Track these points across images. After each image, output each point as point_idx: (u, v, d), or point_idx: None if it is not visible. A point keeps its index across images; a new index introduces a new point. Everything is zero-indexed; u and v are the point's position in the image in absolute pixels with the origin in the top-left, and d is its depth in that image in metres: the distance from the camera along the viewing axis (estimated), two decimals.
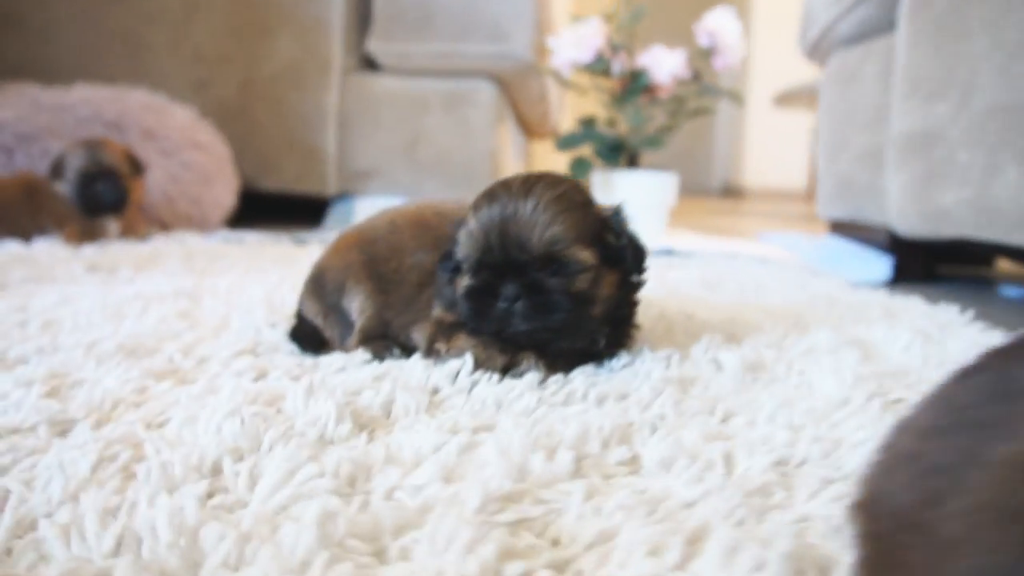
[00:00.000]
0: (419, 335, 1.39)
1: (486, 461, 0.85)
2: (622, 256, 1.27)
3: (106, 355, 1.31)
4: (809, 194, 9.15)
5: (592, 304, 1.24)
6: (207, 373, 1.24)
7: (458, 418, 1.03)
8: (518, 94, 5.16)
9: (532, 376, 1.21)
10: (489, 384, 1.18)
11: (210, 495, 0.78)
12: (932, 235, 2.69)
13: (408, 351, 1.38)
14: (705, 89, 4.74)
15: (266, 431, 0.93)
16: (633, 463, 0.90)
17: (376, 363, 1.35)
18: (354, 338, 1.43)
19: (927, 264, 3.17)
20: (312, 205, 4.80)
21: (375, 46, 4.50)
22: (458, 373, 1.21)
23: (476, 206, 1.23)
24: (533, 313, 1.19)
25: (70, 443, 0.90)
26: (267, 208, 4.77)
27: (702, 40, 4.63)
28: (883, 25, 3.10)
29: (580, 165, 4.71)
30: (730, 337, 1.51)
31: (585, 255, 1.22)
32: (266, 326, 1.60)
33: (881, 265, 3.14)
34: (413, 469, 0.84)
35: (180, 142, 3.55)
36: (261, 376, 1.24)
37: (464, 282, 1.26)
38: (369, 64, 4.68)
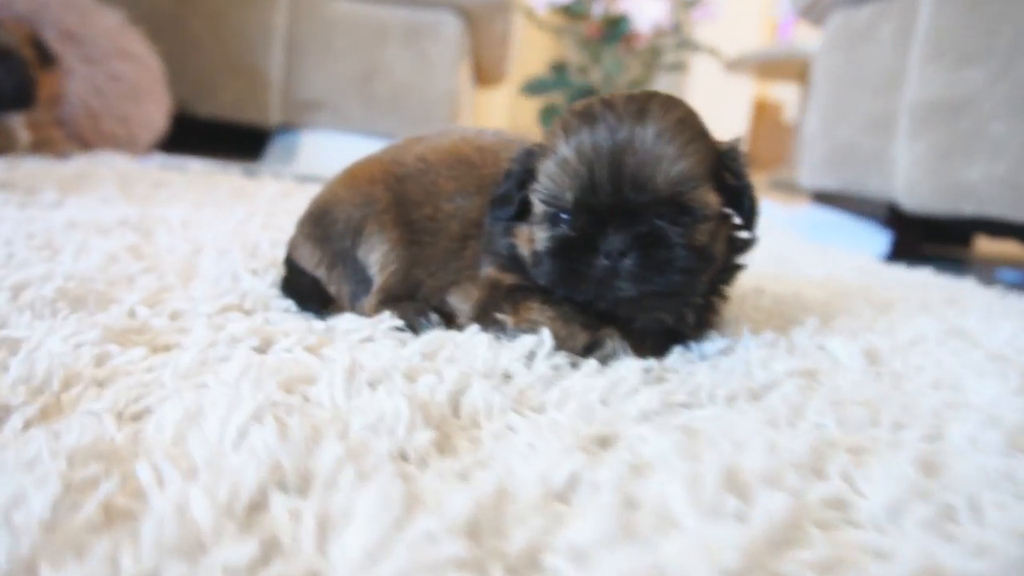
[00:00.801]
0: (459, 300, 1.09)
1: (669, 508, 0.57)
2: (740, 203, 1.00)
3: (42, 304, 0.96)
4: (753, 161, 9.06)
5: (711, 263, 0.97)
6: (190, 336, 0.91)
7: (568, 423, 0.74)
8: (481, 32, 4.78)
9: (630, 363, 0.94)
10: (582, 371, 0.89)
11: (262, 562, 0.48)
12: (948, 212, 2.52)
13: (447, 319, 1.08)
14: (684, 42, 4.49)
15: (316, 441, 0.62)
16: (847, 507, 0.64)
17: (407, 333, 1.05)
18: (373, 298, 1.12)
19: (919, 242, 3.04)
20: (251, 137, 4.33)
21: None
22: (533, 354, 0.92)
23: (568, 128, 0.93)
24: (646, 272, 0.91)
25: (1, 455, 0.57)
26: (200, 136, 4.28)
27: None
28: None
29: (549, 114, 4.40)
30: (819, 318, 1.26)
31: (713, 199, 0.94)
32: (245, 272, 1.27)
33: (875, 241, 2.98)
34: (560, 522, 0.55)
35: (107, 49, 3.06)
36: (266, 344, 0.92)
37: (544, 232, 0.96)
38: None
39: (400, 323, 1.05)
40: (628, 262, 0.90)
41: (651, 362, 0.98)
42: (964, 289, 1.77)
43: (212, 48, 4.11)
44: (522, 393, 0.84)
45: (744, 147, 1.02)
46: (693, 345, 1.08)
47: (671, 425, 0.76)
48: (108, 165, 2.50)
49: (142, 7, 3.77)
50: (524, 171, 1.00)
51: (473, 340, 0.95)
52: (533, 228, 0.99)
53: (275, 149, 4.31)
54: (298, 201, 2.26)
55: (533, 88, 4.39)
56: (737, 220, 1.03)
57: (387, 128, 4.30)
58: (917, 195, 2.62)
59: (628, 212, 0.91)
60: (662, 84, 4.91)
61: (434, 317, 1.06)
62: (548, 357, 0.92)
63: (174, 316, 1.01)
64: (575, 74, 4.38)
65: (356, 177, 1.17)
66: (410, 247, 1.11)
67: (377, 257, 1.11)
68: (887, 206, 2.91)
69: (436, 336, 0.98)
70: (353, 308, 1.14)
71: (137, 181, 2.18)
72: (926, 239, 3.12)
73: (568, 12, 4.20)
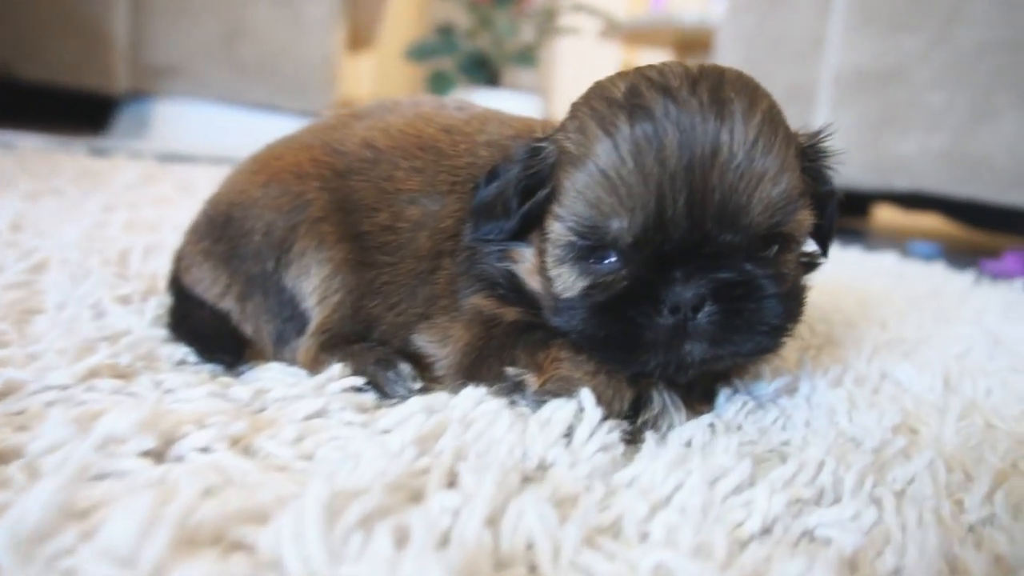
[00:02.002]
0: (431, 341, 0.79)
1: None
2: (825, 213, 0.75)
3: None
4: None
5: (803, 305, 0.72)
6: (36, 442, 0.57)
7: (675, 562, 0.47)
8: None
9: (691, 428, 0.68)
10: (646, 453, 0.62)
11: None
12: (878, 186, 2.43)
13: (418, 366, 0.78)
14: (578, 6, 4.25)
15: None
16: None
17: (370, 393, 0.74)
18: (309, 342, 0.80)
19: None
20: (92, 106, 3.73)
21: None
22: (570, 430, 0.64)
23: (609, 124, 0.65)
24: (729, 333, 0.65)
25: None
26: (27, 105, 3.63)
27: None
28: None
29: (440, 81, 4.06)
30: (856, 332, 1.05)
31: (808, 220, 0.69)
32: (113, 302, 0.91)
33: None
34: None
35: None
36: (166, 443, 0.59)
37: (574, 273, 0.68)
38: None
39: (359, 380, 0.74)
40: (704, 319, 0.64)
41: (709, 418, 0.72)
42: (940, 276, 1.63)
43: (43, 3, 3.49)
44: (578, 503, 0.56)
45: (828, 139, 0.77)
46: (744, 383, 0.83)
47: (831, 558, 0.50)
48: None
49: None
50: (529, 176, 0.71)
51: (482, 412, 0.66)
52: (551, 261, 0.70)
53: (123, 121, 3.74)
54: (165, 188, 1.85)
55: (419, 52, 4.03)
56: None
57: (256, 97, 3.81)
58: (843, 169, 2.50)
59: (708, 253, 0.64)
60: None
61: (405, 368, 0.76)
62: (591, 434, 0.64)
63: (2, 395, 0.65)
64: (463, 38, 4.05)
65: (275, 169, 0.83)
66: (360, 269, 0.80)
67: (314, 284, 0.79)
68: None
69: (423, 405, 0.67)
70: (279, 355, 0.82)
71: None
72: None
73: None
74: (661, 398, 0.72)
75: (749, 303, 0.64)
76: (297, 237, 0.79)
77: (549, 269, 0.70)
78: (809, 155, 0.73)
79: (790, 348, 0.95)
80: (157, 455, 0.59)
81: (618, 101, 0.65)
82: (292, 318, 0.80)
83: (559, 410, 0.65)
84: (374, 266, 0.80)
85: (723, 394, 0.80)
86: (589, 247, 0.67)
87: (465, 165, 0.81)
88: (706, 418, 0.72)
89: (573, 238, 0.67)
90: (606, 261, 0.67)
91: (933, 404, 0.83)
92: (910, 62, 2.24)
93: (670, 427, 0.71)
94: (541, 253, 0.71)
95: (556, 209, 0.68)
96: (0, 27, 3.24)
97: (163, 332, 0.84)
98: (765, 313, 0.65)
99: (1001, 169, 1.97)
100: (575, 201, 0.66)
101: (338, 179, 0.81)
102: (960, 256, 2.38)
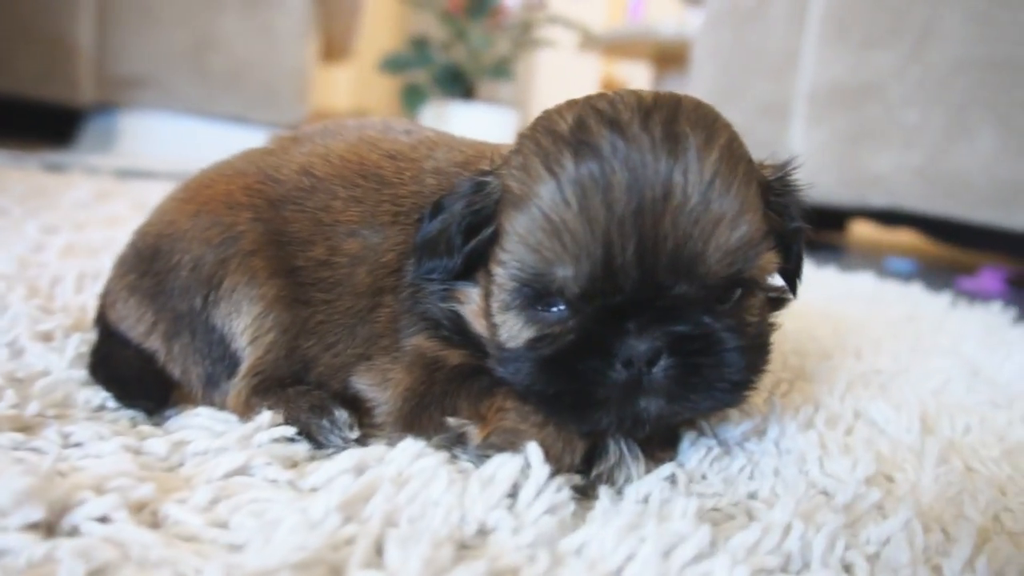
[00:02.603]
0: (371, 384, 0.73)
1: None
2: (787, 251, 0.70)
3: None
4: None
5: (768, 354, 0.67)
6: None
7: None
8: (330, 2, 4.30)
9: (650, 482, 0.62)
10: (599, 515, 0.57)
11: None
12: (853, 203, 2.40)
13: (353, 408, 0.72)
14: (554, 19, 4.22)
15: None
16: None
17: (302, 443, 0.68)
18: (241, 385, 0.73)
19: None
20: (57, 117, 3.64)
21: None
22: (516, 488, 0.58)
23: (554, 162, 0.60)
24: (687, 390, 0.60)
25: None
26: None
27: None
28: None
29: (413, 94, 4.00)
30: (822, 362, 1.01)
31: (773, 262, 0.64)
32: (32, 339, 0.84)
33: None
34: None
35: None
36: (56, 515, 0.52)
37: (519, 322, 0.63)
38: None
39: (290, 429, 0.68)
40: (659, 373, 0.59)
41: (670, 467, 0.67)
42: (917, 299, 1.59)
43: (5, 13, 3.40)
44: (508, 571, 0.50)
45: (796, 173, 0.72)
46: (705, 425, 0.78)
47: None
48: None
49: None
50: (473, 212, 0.65)
51: (419, 469, 0.60)
52: (496, 307, 0.65)
53: (89, 133, 3.65)
54: (119, 206, 1.77)
55: (392, 65, 3.98)
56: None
57: (226, 109, 3.74)
58: (818, 185, 2.47)
59: (662, 305, 0.59)
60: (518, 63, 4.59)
61: (340, 415, 0.70)
62: (538, 492, 0.58)
63: None
64: (438, 51, 4.01)
65: (205, 198, 0.77)
66: (295, 307, 0.74)
67: (245, 323, 0.73)
68: None
69: (355, 461, 0.61)
70: (208, 399, 0.76)
71: None
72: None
73: None
74: (618, 448, 0.66)
75: (707, 358, 0.59)
76: (227, 272, 0.73)
77: (494, 315, 0.65)
78: (775, 190, 0.68)
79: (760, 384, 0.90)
80: (47, 528, 0.52)
81: (564, 136, 0.60)
82: (222, 359, 0.74)
83: (503, 466, 0.59)
84: (309, 304, 0.74)
85: (687, 438, 0.74)
86: (536, 294, 0.61)
87: (410, 194, 0.75)
88: (667, 468, 0.67)
89: (516, 284, 0.61)
90: (554, 309, 0.61)
91: (910, 447, 0.78)
92: (885, 78, 2.21)
93: (628, 480, 0.65)
94: (487, 296, 0.66)
95: (499, 252, 0.62)
96: None
97: (83, 373, 0.77)
98: (725, 369, 0.60)
99: (976, 187, 1.95)
100: (517, 246, 0.60)
101: (272, 209, 0.75)
102: (937, 273, 2.36)
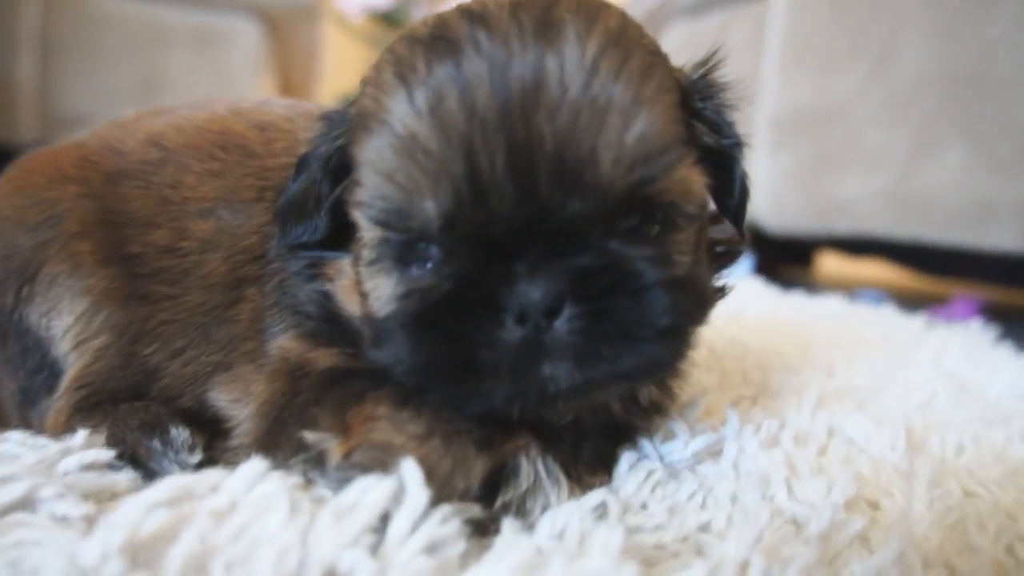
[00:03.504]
0: (230, 398, 0.58)
1: None
2: (725, 175, 0.57)
3: None
4: None
5: (705, 301, 0.54)
6: None
7: None
8: (286, 42, 4.21)
9: (571, 511, 0.48)
10: (494, 554, 0.42)
11: None
12: (819, 231, 2.30)
13: (205, 433, 0.57)
14: None
15: None
16: None
17: (126, 471, 0.53)
18: (62, 401, 0.58)
19: (778, 263, 2.85)
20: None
21: None
22: (384, 521, 0.44)
23: (408, 69, 0.47)
24: (600, 344, 0.46)
25: None
26: None
27: None
28: None
29: None
30: (790, 375, 0.87)
31: (697, 180, 0.51)
32: None
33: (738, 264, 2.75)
34: None
35: None
36: None
37: (387, 280, 0.49)
38: None
39: (108, 452, 0.53)
40: (564, 327, 0.45)
41: (600, 494, 0.52)
42: (890, 319, 1.48)
43: None
44: None
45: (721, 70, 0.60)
46: (647, 443, 0.64)
47: None
48: None
49: None
50: (335, 152, 0.52)
51: (254, 498, 0.45)
52: (364, 270, 0.51)
53: None
54: None
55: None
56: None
57: None
58: (783, 214, 2.39)
59: (554, 230, 0.45)
60: None
61: (178, 434, 0.55)
62: (419, 525, 0.44)
63: None
64: None
65: (29, 174, 0.63)
66: (132, 304, 0.59)
67: (67, 324, 0.58)
68: (747, 226, 2.68)
69: (173, 489, 0.46)
70: (26, 420, 0.60)
71: None
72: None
73: (386, 20, 3.75)
74: (532, 468, 0.52)
75: (621, 299, 0.45)
76: (45, 259, 0.58)
77: (363, 281, 0.51)
78: (699, 92, 0.56)
79: (716, 401, 0.76)
80: None
81: (420, 38, 0.48)
82: (39, 370, 0.59)
83: (368, 492, 0.44)
84: (151, 299, 0.59)
85: (625, 460, 0.60)
86: (406, 244, 0.48)
87: (280, 167, 0.62)
88: (596, 495, 0.53)
89: (380, 231, 0.48)
90: (429, 265, 0.48)
91: (896, 468, 0.64)
92: (847, 101, 2.14)
93: (545, 510, 0.51)
94: (356, 262, 0.52)
95: (356, 191, 0.48)
96: None
97: None
98: (646, 310, 0.46)
99: (946, 206, 1.85)
100: (372, 177, 0.47)
101: (108, 185, 0.61)
102: (909, 304, 2.26)
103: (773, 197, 2.40)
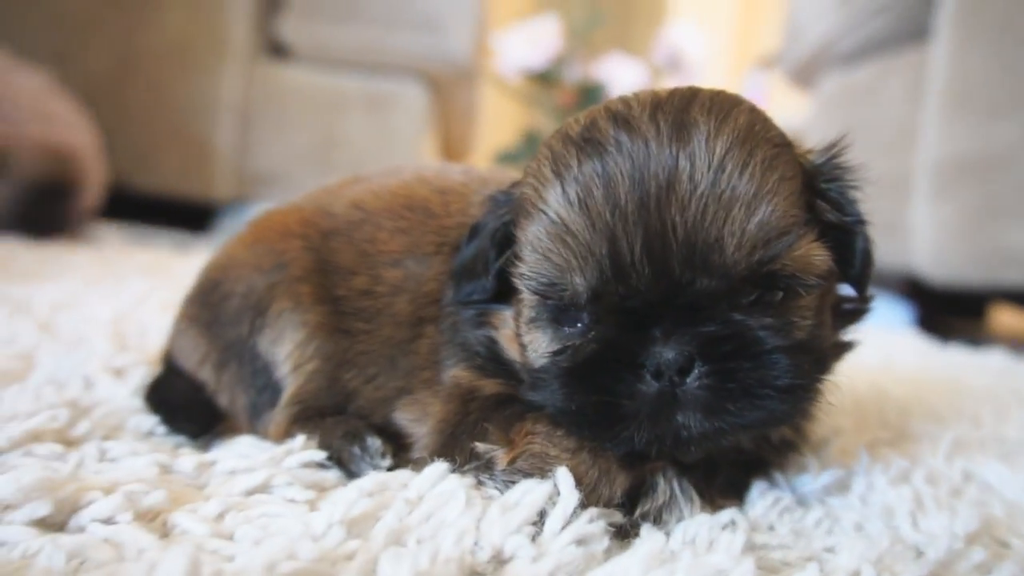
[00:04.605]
0: (411, 418, 0.70)
1: None
2: (846, 249, 0.63)
3: None
4: None
5: (824, 362, 0.60)
6: None
7: None
8: (448, 102, 4.51)
9: (704, 523, 0.55)
10: (637, 552, 0.50)
11: None
12: (986, 282, 2.20)
13: (396, 446, 0.69)
14: None
15: None
16: None
17: (333, 470, 0.65)
18: (281, 414, 0.72)
19: (945, 316, 2.72)
20: (198, 213, 3.95)
21: (290, 26, 3.78)
22: (542, 517, 0.53)
23: (560, 163, 0.57)
24: (726, 400, 0.53)
25: None
26: (141, 212, 3.87)
27: (660, 55, 4.14)
28: (905, 36, 2.65)
29: None
30: (930, 422, 0.89)
31: (818, 255, 0.57)
32: (105, 373, 0.86)
33: (891, 315, 2.66)
34: None
35: (26, 112, 2.70)
36: (64, 514, 0.51)
37: (543, 336, 0.59)
38: (278, 51, 3.92)
39: (320, 454, 0.65)
40: (694, 383, 0.53)
41: (730, 514, 0.59)
42: None
43: (153, 117, 3.78)
44: None
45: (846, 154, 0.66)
46: (778, 475, 0.69)
47: None
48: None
49: (76, 76, 3.43)
50: (501, 228, 0.63)
51: (438, 492, 0.56)
52: (523, 326, 0.61)
53: (225, 224, 3.93)
54: None
55: (506, 159, 4.09)
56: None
57: None
58: (947, 264, 2.30)
59: (685, 304, 0.54)
60: None
61: (373, 443, 0.67)
62: (570, 522, 0.53)
63: None
64: None
65: (263, 230, 0.79)
66: (337, 336, 0.72)
67: (288, 351, 0.72)
68: (905, 277, 2.59)
69: (375, 483, 0.57)
70: (253, 429, 0.74)
71: (26, 254, 1.77)
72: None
73: (541, 79, 3.94)
74: (668, 486, 0.59)
75: (744, 361, 0.53)
76: (274, 297, 0.73)
77: (522, 335, 0.61)
78: (824, 174, 0.62)
79: (851, 441, 0.80)
80: (55, 525, 0.51)
81: (572, 138, 0.57)
82: (266, 388, 0.73)
83: (528, 492, 0.54)
84: (351, 333, 0.72)
85: (756, 488, 0.66)
86: (559, 308, 0.57)
87: (455, 226, 0.73)
88: (727, 513, 0.59)
89: (539, 299, 0.58)
90: (579, 325, 0.57)
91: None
92: (1013, 147, 2.06)
93: (679, 521, 0.58)
94: (517, 317, 0.62)
95: (519, 265, 0.59)
96: (118, 140, 3.50)
97: (135, 398, 0.78)
98: (766, 372, 0.53)
99: None
100: (531, 255, 0.57)
101: (322, 240, 0.75)
102: None
103: (935, 247, 2.32)
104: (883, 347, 1.53)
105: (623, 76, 3.97)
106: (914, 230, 2.43)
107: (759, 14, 5.77)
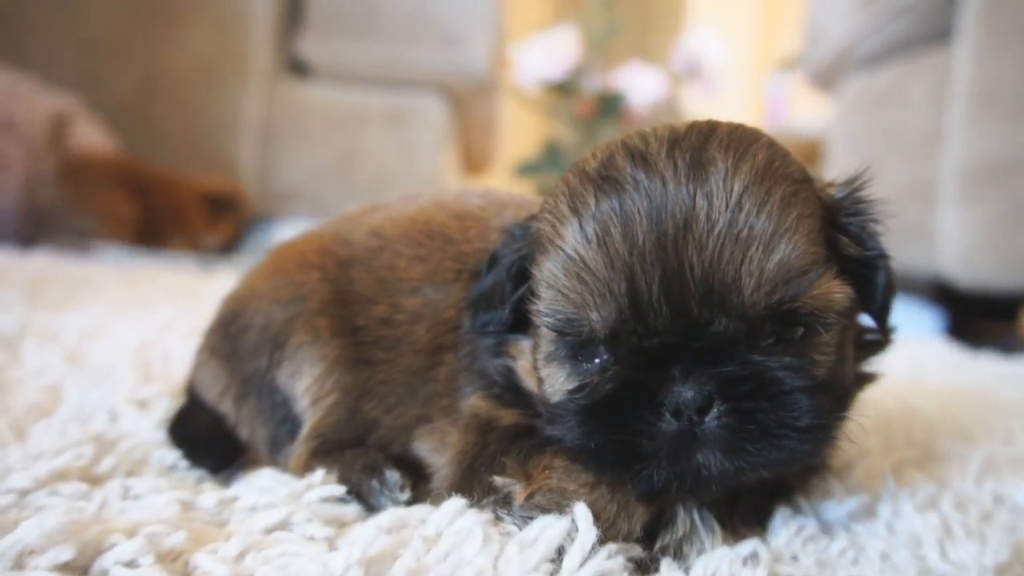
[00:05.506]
0: (430, 447, 0.70)
1: None
2: (868, 283, 0.62)
3: None
4: None
5: (845, 399, 0.59)
6: None
7: None
8: (467, 115, 4.52)
9: (724, 556, 0.54)
10: None
11: None
12: (1017, 285, 2.16)
13: (414, 476, 0.69)
14: (680, 117, 4.23)
15: None
16: None
17: (353, 504, 0.65)
18: (301, 448, 0.72)
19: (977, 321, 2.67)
20: None
21: (309, 44, 3.81)
22: (560, 554, 0.52)
23: (577, 201, 0.57)
24: (746, 440, 0.53)
25: None
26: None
27: (679, 62, 4.13)
28: (928, 38, 2.62)
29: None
30: (969, 445, 0.87)
31: (838, 292, 0.56)
32: (129, 405, 0.87)
33: (919, 320, 2.62)
34: None
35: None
36: (88, 557, 0.52)
37: (559, 373, 0.59)
38: (298, 69, 3.96)
39: (340, 488, 0.66)
40: (713, 422, 0.52)
41: (751, 545, 0.58)
42: None
43: (178, 137, 3.84)
44: None
45: (868, 188, 0.65)
46: (802, 501, 0.68)
47: None
48: (26, 259, 2.13)
49: (104, 99, 3.50)
50: (517, 262, 0.63)
51: (456, 528, 0.55)
52: (541, 359, 0.61)
53: (251, 240, 3.98)
54: None
55: (526, 170, 4.09)
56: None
57: None
58: (976, 268, 2.26)
59: (703, 344, 0.53)
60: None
61: (391, 476, 0.67)
62: (588, 558, 0.52)
63: None
64: (569, 152, 4.08)
65: (282, 260, 0.79)
66: (356, 368, 0.72)
67: (307, 384, 0.72)
68: (933, 281, 2.55)
69: (393, 519, 0.58)
70: (273, 462, 0.75)
71: (55, 279, 1.80)
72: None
73: (560, 90, 3.94)
74: (688, 517, 0.59)
75: (763, 401, 0.52)
76: (293, 331, 0.73)
77: (540, 369, 0.61)
78: (844, 209, 0.61)
79: (877, 463, 0.79)
80: (79, 568, 0.52)
81: (590, 174, 0.57)
82: (285, 421, 0.73)
83: (546, 528, 0.54)
84: (371, 364, 0.72)
85: (779, 514, 0.65)
86: (576, 344, 0.57)
87: (474, 252, 0.74)
88: (749, 544, 0.59)
89: (556, 334, 0.58)
90: (596, 361, 0.57)
91: None
92: None
93: (700, 554, 0.58)
94: (534, 350, 0.62)
95: (536, 301, 0.59)
96: (145, 160, 3.56)
97: (158, 432, 0.79)
98: (786, 413, 0.52)
99: None
100: (548, 291, 0.57)
101: (340, 269, 0.76)
102: None
103: (963, 251, 2.28)
104: (912, 358, 1.50)
105: (642, 85, 3.96)
106: (942, 234, 2.39)
107: (779, 17, 5.74)
